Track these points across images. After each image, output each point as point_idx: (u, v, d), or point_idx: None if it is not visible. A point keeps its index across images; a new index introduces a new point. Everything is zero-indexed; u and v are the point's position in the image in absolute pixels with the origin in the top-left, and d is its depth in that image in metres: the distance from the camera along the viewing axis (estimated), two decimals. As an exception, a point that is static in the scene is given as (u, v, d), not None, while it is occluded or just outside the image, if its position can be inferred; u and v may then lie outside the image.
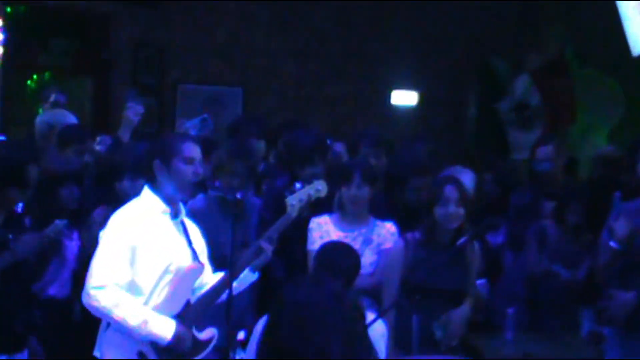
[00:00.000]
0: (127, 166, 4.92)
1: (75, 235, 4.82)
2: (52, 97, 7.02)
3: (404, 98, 9.96)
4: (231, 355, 4.37)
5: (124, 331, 3.75)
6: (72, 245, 4.81)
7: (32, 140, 6.09)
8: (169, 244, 3.88)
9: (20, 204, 4.42)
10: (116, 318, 3.71)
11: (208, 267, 4.12)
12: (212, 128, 6.29)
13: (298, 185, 4.35)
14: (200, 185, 4.50)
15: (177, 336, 3.80)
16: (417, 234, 4.58)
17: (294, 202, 4.21)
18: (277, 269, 4.85)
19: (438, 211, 4.52)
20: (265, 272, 4.52)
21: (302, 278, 2.45)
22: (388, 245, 4.72)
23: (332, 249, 4.30)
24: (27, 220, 4.48)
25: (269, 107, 9.25)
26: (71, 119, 6.21)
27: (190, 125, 6.17)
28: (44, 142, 5.91)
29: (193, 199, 4.87)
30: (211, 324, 4.04)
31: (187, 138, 4.09)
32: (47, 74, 9.27)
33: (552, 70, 9.23)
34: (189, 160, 3.89)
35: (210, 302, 3.99)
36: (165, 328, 3.79)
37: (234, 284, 3.84)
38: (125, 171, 4.90)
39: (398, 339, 4.35)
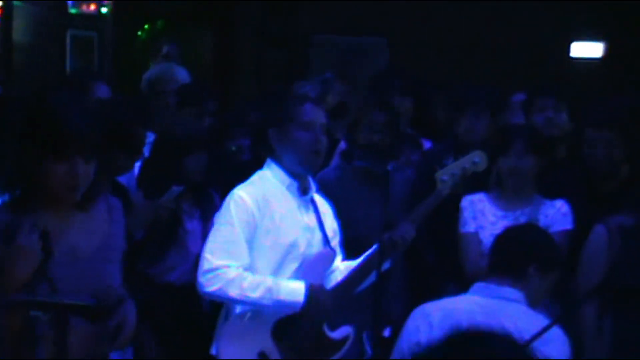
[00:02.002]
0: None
1: (197, 214, 4.86)
2: (164, 50, 7.11)
3: (586, 50, 9.84)
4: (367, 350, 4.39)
5: (248, 308, 3.85)
6: (193, 224, 4.85)
7: (142, 99, 6.21)
8: (296, 225, 3.95)
9: (132, 175, 4.53)
10: (235, 296, 3.81)
11: (339, 254, 4.16)
12: (341, 90, 6.26)
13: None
14: (346, 156, 4.52)
15: (310, 296, 3.83)
16: (623, 219, 4.26)
17: (446, 177, 4.18)
18: (428, 252, 4.87)
19: None
20: (413, 256, 4.54)
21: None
22: (558, 227, 4.59)
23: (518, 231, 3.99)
24: (137, 197, 4.58)
25: (420, 60, 9.11)
26: (182, 74, 6.33)
27: (310, 88, 6.15)
28: (152, 101, 6.04)
29: (324, 172, 4.93)
30: (349, 320, 4.07)
31: (304, 100, 4.12)
32: (159, 23, 9.43)
33: None
34: (308, 126, 3.93)
35: (344, 294, 4.01)
36: (294, 291, 3.84)
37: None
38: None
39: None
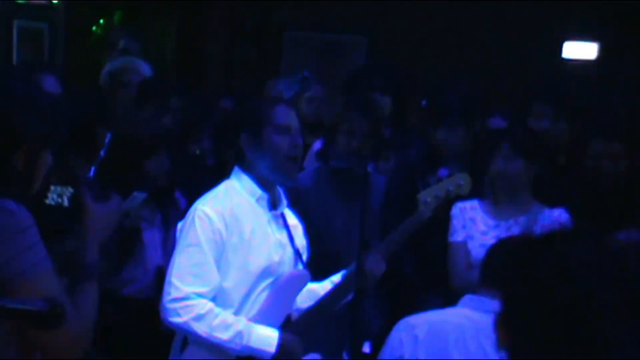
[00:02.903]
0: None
1: (158, 219, 4.87)
2: (122, 43, 7.04)
3: (580, 51, 9.90)
4: None
5: (214, 348, 3.82)
6: (153, 233, 4.86)
7: (101, 96, 5.91)
8: (267, 242, 3.92)
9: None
10: (202, 334, 3.77)
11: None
12: (318, 94, 6.23)
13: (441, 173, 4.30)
14: (322, 155, 4.52)
15: (282, 346, 3.82)
16: (633, 233, 4.38)
17: (428, 199, 4.19)
18: (406, 263, 4.88)
19: None
20: (391, 267, 4.44)
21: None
22: None
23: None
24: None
25: (402, 59, 9.07)
26: (144, 67, 6.27)
27: (285, 87, 6.15)
28: (112, 97, 5.97)
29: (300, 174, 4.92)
30: (324, 336, 4.14)
31: (278, 102, 4.11)
32: (117, 14, 9.37)
33: None
34: (284, 129, 3.91)
35: (316, 318, 4.03)
36: (266, 338, 3.83)
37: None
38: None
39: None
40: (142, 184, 4.58)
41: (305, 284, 4.01)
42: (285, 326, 3.90)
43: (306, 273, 4.01)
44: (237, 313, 3.84)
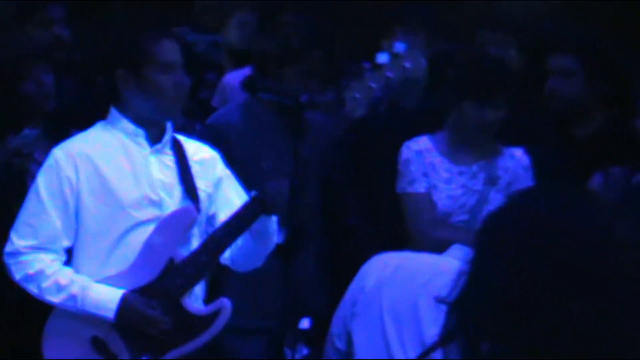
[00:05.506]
0: None
1: None
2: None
3: None
4: (287, 354, 4.21)
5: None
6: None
7: None
8: (138, 182, 3.86)
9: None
10: (35, 294, 3.79)
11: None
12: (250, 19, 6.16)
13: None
14: (249, 86, 4.41)
15: (123, 309, 3.75)
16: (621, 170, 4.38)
17: (357, 95, 3.96)
18: (351, 213, 4.72)
19: None
20: (332, 220, 4.56)
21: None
22: (522, 184, 4.47)
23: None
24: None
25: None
26: None
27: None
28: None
29: (222, 109, 4.97)
30: (250, 300, 4.08)
31: (162, 36, 3.98)
32: None
33: None
34: (168, 67, 3.85)
35: (206, 259, 3.85)
36: (103, 302, 3.77)
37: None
38: None
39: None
40: (20, 115, 4.35)
41: (189, 221, 3.88)
42: (168, 270, 3.82)
43: (189, 209, 3.87)
44: (107, 260, 3.82)
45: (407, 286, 3.27)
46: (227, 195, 3.98)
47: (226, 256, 3.95)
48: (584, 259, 1.75)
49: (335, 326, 3.58)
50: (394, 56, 3.96)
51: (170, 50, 3.91)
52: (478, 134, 4.58)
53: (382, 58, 3.94)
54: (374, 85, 3.94)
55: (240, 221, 3.84)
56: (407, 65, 3.96)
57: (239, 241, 3.88)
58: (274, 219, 3.89)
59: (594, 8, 7.30)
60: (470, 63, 4.88)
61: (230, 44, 6.16)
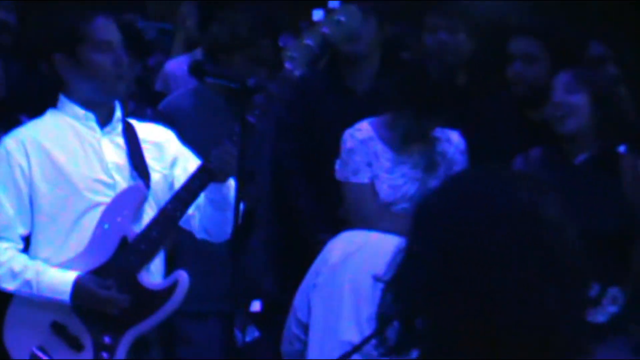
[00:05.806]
0: None
1: None
2: None
3: None
4: (238, 335, 4.14)
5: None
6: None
7: None
8: (90, 166, 3.84)
9: None
10: None
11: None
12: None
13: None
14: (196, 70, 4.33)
15: (78, 290, 3.72)
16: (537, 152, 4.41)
17: (295, 54, 3.78)
18: (299, 195, 4.71)
19: None
20: (281, 203, 4.56)
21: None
22: (459, 167, 4.43)
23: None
24: None
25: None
26: None
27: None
28: None
29: (174, 94, 4.96)
30: (203, 284, 4.04)
31: (95, 15, 3.90)
32: None
33: None
34: (105, 46, 3.80)
35: (159, 232, 3.83)
36: (58, 285, 3.75)
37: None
38: None
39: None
40: None
41: (140, 198, 3.86)
42: (122, 248, 3.81)
43: (139, 186, 3.86)
44: (65, 244, 3.80)
45: (370, 265, 3.24)
46: (188, 171, 3.92)
47: (199, 229, 3.94)
48: (506, 232, 1.74)
49: (299, 297, 3.62)
50: (329, 12, 3.84)
51: (105, 29, 3.85)
52: (413, 137, 4.49)
53: (317, 15, 3.83)
54: (310, 42, 3.82)
55: (188, 192, 3.80)
56: (342, 19, 3.84)
57: (207, 212, 3.86)
58: (230, 184, 3.82)
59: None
60: (414, 76, 4.69)
61: (182, 32, 6.11)
